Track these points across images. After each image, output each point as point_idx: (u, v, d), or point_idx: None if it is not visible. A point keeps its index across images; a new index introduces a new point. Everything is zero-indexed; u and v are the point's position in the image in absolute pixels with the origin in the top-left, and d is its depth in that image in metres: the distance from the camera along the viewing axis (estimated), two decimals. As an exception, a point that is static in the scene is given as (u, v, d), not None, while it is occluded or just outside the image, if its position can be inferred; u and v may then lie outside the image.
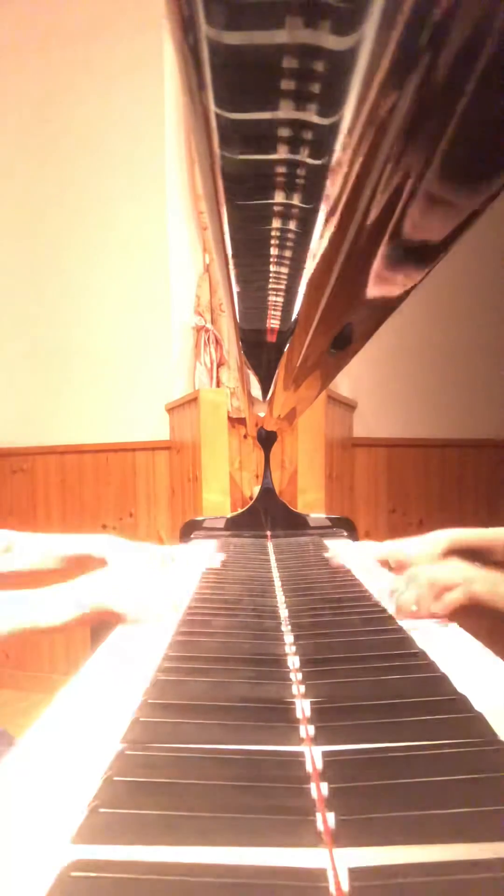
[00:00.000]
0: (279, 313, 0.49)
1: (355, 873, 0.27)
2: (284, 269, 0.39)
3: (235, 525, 1.43)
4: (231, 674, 0.51)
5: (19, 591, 0.73)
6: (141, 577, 0.78)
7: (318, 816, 0.30)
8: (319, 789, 0.33)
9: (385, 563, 1.00)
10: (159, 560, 0.96)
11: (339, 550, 1.11)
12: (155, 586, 0.75)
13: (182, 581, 0.88)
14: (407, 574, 0.74)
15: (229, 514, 1.46)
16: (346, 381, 2.56)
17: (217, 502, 1.97)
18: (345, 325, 0.54)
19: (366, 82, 0.20)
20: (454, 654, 0.58)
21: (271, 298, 0.45)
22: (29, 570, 1.04)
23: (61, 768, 0.37)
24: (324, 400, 2.05)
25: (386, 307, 0.50)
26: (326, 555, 1.09)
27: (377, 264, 0.38)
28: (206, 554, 1.13)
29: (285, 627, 0.65)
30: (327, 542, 1.30)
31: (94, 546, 1.02)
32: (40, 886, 0.26)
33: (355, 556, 1.07)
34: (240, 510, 1.48)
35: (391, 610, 0.71)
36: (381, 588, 0.83)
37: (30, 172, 2.71)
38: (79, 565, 1.03)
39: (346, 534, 1.41)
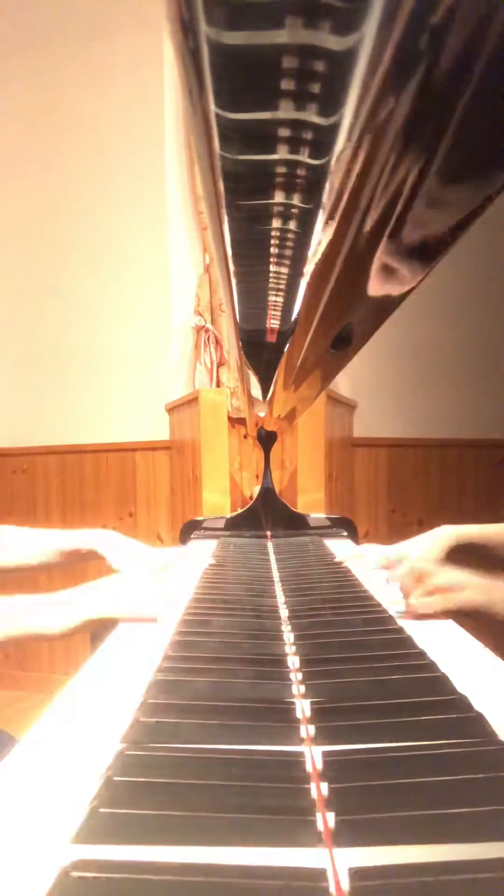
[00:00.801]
0: (279, 313, 0.49)
1: (355, 873, 0.27)
2: (284, 269, 0.39)
3: (235, 525, 1.43)
4: (231, 674, 0.51)
5: (23, 596, 0.74)
6: (139, 582, 0.78)
7: (318, 816, 0.30)
8: (319, 789, 0.33)
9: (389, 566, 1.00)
10: (158, 566, 0.96)
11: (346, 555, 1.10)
12: (152, 589, 0.75)
13: (179, 580, 0.88)
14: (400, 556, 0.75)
15: (229, 514, 1.46)
16: (346, 381, 2.56)
17: (217, 502, 1.97)
18: (345, 325, 0.54)
19: (366, 82, 0.20)
20: (454, 654, 0.58)
21: (271, 298, 0.45)
22: (19, 565, 1.03)
23: (61, 768, 0.37)
24: (324, 400, 2.05)
25: (386, 307, 0.50)
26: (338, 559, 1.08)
27: (377, 264, 0.38)
28: (205, 555, 1.13)
29: (285, 627, 0.65)
30: (327, 542, 1.30)
31: (92, 541, 1.02)
32: (40, 886, 0.26)
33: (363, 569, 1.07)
34: (240, 510, 1.48)
35: (391, 611, 0.71)
36: (379, 584, 0.83)
37: (30, 173, 2.71)
38: (76, 560, 1.03)
39: (345, 534, 1.41)
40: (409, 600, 0.71)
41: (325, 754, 0.37)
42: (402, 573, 0.74)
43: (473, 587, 0.72)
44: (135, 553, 1.01)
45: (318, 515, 1.46)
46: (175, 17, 0.18)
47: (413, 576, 0.72)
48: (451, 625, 0.69)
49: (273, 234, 0.34)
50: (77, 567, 1.10)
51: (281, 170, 0.27)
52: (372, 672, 0.51)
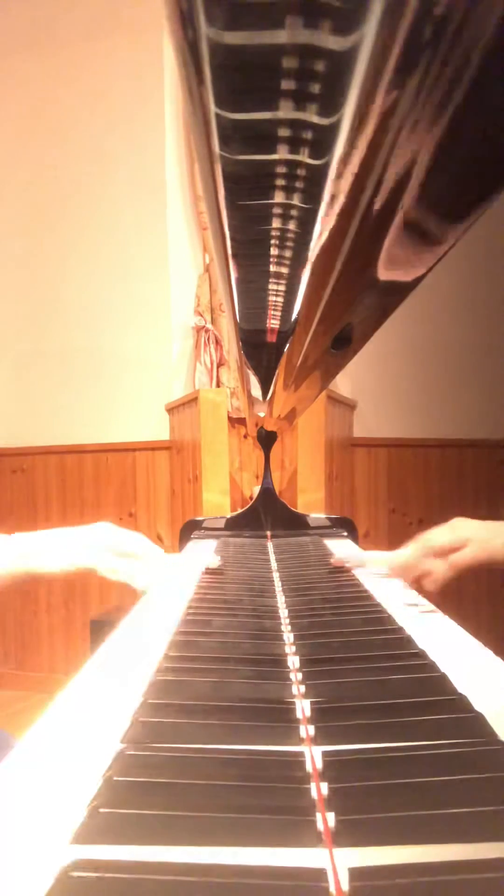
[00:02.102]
0: (279, 313, 0.49)
1: (355, 873, 0.27)
2: (284, 269, 0.39)
3: (235, 525, 1.43)
4: (231, 674, 0.51)
5: (19, 535, 0.76)
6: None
7: (318, 816, 0.30)
8: (319, 789, 0.33)
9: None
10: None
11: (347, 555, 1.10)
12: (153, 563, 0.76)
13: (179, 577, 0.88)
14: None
15: (229, 514, 1.46)
16: (346, 381, 2.56)
17: (217, 502, 1.97)
18: (345, 325, 0.54)
19: (366, 82, 0.20)
20: (454, 653, 0.58)
21: (271, 298, 0.45)
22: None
23: (61, 768, 0.37)
24: (324, 400, 2.05)
25: (387, 307, 0.50)
26: (334, 560, 1.08)
27: (377, 264, 0.38)
28: (204, 556, 1.13)
29: (285, 627, 0.65)
30: (328, 542, 1.30)
31: (91, 562, 1.01)
32: (40, 886, 0.26)
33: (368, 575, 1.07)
34: (240, 510, 1.48)
35: (391, 610, 0.71)
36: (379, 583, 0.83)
37: (30, 172, 2.71)
38: (75, 578, 1.03)
39: (345, 534, 1.41)
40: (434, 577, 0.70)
41: (325, 754, 0.37)
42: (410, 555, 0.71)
43: (474, 542, 0.71)
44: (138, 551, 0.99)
45: (318, 515, 1.46)
46: (174, 16, 0.18)
47: (428, 553, 0.71)
48: (451, 625, 0.69)
49: (273, 234, 0.34)
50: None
51: (281, 170, 0.27)
52: (372, 672, 0.51)
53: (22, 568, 0.74)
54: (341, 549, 1.16)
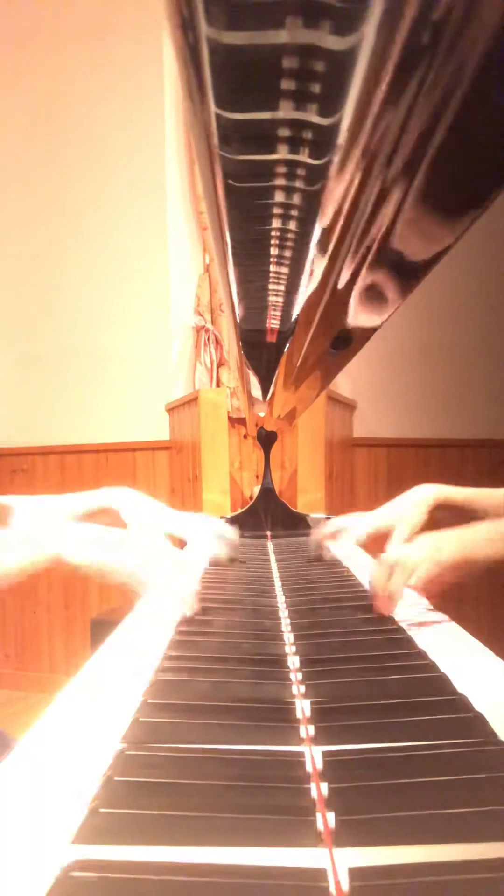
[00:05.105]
0: (279, 313, 0.49)
1: (355, 873, 0.27)
2: (284, 269, 0.39)
3: (235, 525, 1.43)
4: (231, 674, 0.51)
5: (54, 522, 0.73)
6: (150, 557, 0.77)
7: (318, 816, 0.30)
8: (319, 789, 0.33)
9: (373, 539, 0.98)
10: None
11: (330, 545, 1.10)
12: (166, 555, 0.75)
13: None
14: (379, 559, 0.74)
15: (229, 514, 1.46)
16: (346, 381, 2.56)
17: (217, 502, 1.97)
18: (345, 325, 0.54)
19: (366, 82, 0.20)
20: (454, 654, 0.58)
21: (271, 298, 0.45)
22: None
23: (61, 768, 0.37)
24: (324, 400, 2.05)
25: (387, 307, 0.50)
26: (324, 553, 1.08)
27: (377, 264, 0.38)
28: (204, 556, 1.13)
29: (285, 627, 0.65)
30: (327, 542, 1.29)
31: (107, 500, 0.99)
32: (40, 886, 0.26)
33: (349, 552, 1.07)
34: (240, 510, 1.48)
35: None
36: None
37: (30, 172, 2.71)
38: (91, 521, 0.99)
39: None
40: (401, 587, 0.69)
41: (325, 754, 0.37)
42: (385, 575, 0.71)
43: (446, 545, 0.71)
44: (151, 511, 0.97)
45: (318, 515, 1.46)
46: (175, 16, 0.18)
47: (404, 573, 0.71)
48: (451, 625, 0.69)
49: (273, 234, 0.34)
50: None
51: (281, 169, 0.27)
52: (372, 672, 0.51)
53: (52, 552, 0.71)
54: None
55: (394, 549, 0.75)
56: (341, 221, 0.31)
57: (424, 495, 0.95)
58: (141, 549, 0.73)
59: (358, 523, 1.01)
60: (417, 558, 0.70)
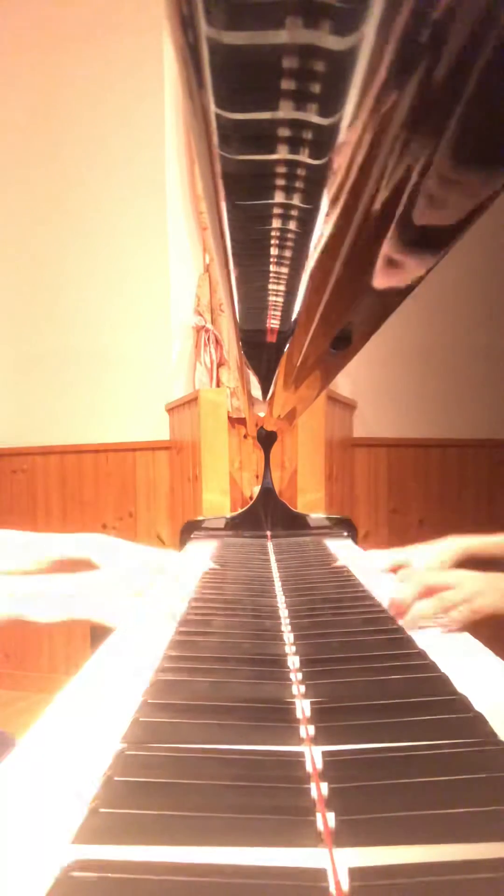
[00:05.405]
0: (279, 313, 0.49)
1: (355, 873, 0.27)
2: (284, 269, 0.39)
3: (235, 525, 1.43)
4: (231, 674, 0.51)
5: (14, 578, 0.76)
6: (131, 587, 0.79)
7: (318, 816, 0.30)
8: (319, 789, 0.33)
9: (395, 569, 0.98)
10: (152, 568, 0.95)
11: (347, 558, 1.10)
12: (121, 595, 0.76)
13: (177, 586, 0.88)
14: (402, 573, 0.74)
15: (229, 514, 1.46)
16: (346, 381, 2.56)
17: (217, 502, 1.97)
18: (345, 325, 0.54)
19: (366, 82, 0.20)
20: (454, 653, 0.58)
21: (271, 298, 0.45)
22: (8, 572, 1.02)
23: (61, 768, 0.37)
24: (324, 400, 2.05)
25: (386, 307, 0.50)
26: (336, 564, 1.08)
27: (378, 264, 0.38)
28: (204, 558, 1.13)
29: (285, 627, 0.65)
30: (328, 542, 1.30)
31: (82, 548, 1.01)
32: (40, 886, 0.26)
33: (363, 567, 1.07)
34: (240, 510, 1.48)
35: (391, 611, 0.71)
36: (381, 588, 0.82)
37: (30, 172, 2.71)
38: (69, 567, 1.02)
39: (346, 534, 1.41)
40: (434, 619, 0.69)
41: (325, 754, 0.37)
42: (411, 589, 0.71)
43: (485, 591, 0.70)
44: (130, 556, 1.00)
45: (317, 515, 1.46)
46: (175, 16, 0.18)
47: (421, 590, 0.71)
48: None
49: (273, 234, 0.34)
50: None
51: (281, 169, 0.27)
52: (372, 672, 0.51)
53: (13, 613, 0.73)
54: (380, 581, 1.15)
55: (429, 571, 0.74)
56: (342, 221, 0.31)
57: (451, 547, 0.95)
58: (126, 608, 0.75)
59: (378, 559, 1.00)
60: (455, 598, 0.69)
